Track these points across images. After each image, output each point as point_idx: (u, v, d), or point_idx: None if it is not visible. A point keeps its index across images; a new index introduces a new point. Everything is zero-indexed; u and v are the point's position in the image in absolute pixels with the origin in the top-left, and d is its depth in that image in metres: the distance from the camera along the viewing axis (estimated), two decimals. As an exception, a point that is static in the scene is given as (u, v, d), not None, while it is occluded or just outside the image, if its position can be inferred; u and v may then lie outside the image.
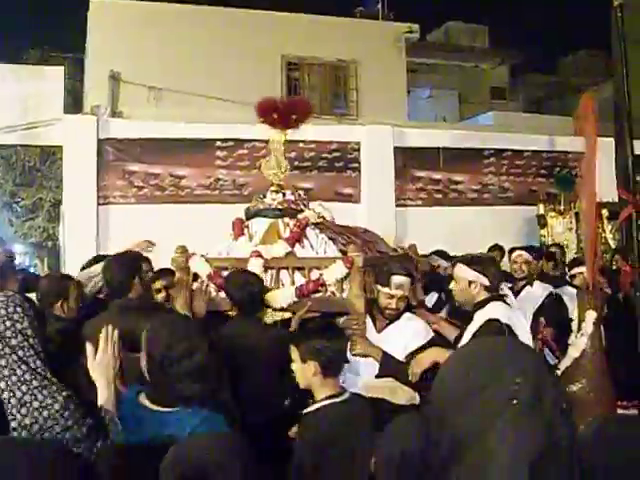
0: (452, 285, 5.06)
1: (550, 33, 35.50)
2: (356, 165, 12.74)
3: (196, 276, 5.73)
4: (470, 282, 4.91)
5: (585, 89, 18.89)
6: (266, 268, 5.60)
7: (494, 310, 4.78)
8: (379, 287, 5.26)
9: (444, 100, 24.74)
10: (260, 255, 5.59)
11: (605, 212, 10.51)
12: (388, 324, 5.29)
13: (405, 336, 5.18)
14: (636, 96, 6.61)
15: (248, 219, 6.15)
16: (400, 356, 5.09)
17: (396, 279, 5.19)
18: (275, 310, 5.49)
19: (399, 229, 12.33)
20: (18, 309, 2.97)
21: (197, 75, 14.85)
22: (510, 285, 7.30)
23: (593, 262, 6.18)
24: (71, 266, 8.31)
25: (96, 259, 6.27)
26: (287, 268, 5.63)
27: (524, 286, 7.45)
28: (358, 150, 12.79)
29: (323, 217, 6.25)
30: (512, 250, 7.92)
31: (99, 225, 11.38)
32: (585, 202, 6.40)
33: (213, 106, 13.85)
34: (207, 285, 5.69)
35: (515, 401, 1.49)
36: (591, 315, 5.99)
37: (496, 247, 9.01)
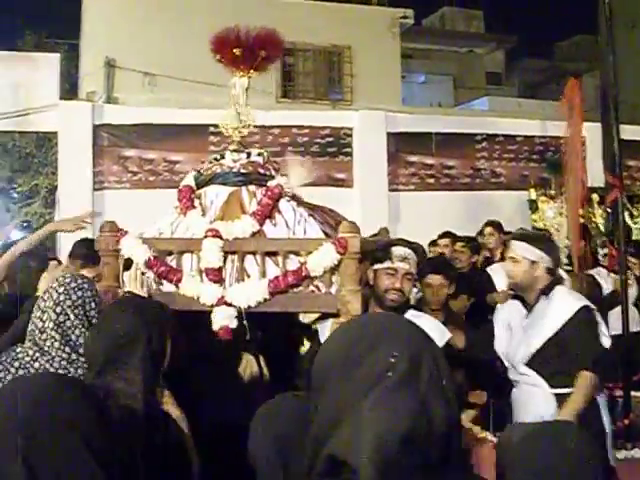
0: (508, 266, 4.55)
1: (546, 17, 35.51)
2: (349, 150, 12.83)
3: (129, 263, 4.29)
4: (533, 262, 4.43)
5: (581, 74, 18.95)
6: (226, 253, 4.22)
7: (570, 296, 4.51)
8: (377, 266, 4.35)
9: (439, 85, 24.79)
10: (218, 235, 4.20)
11: (595, 197, 10.57)
12: None
13: None
14: (628, 80, 6.69)
15: (200, 187, 4.71)
16: None
17: (398, 250, 4.32)
18: (241, 311, 4.11)
19: (392, 214, 12.47)
20: (95, 292, 3.47)
21: (191, 61, 14.84)
22: None
23: (578, 245, 6.29)
24: (66, 251, 8.43)
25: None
26: (254, 253, 4.24)
27: None
28: (351, 135, 12.90)
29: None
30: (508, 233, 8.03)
31: (94, 210, 11.45)
32: (571, 187, 6.49)
33: (207, 91, 13.91)
34: (143, 275, 4.26)
35: (390, 374, 1.50)
36: (576, 297, 6.10)
37: (492, 223, 9.03)
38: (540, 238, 4.68)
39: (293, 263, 4.17)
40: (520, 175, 13.70)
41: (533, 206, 12.23)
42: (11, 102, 11.94)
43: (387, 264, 4.28)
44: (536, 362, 4.43)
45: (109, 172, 11.87)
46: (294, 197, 4.61)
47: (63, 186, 11.96)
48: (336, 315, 4.08)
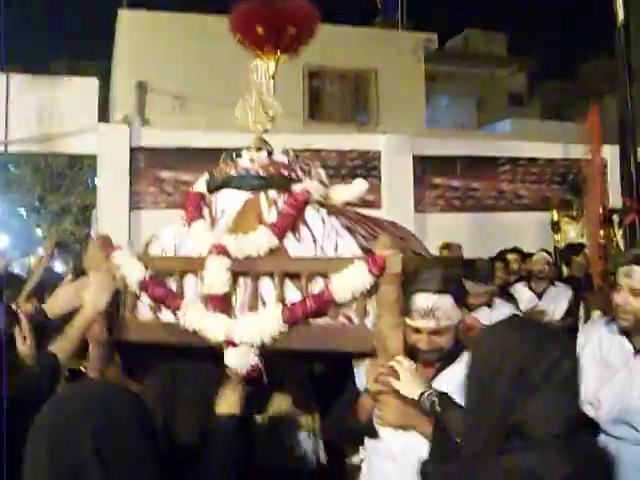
0: (623, 298, 3.51)
1: (568, 39, 35.73)
2: (377, 173, 13.30)
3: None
4: None
5: (603, 95, 19.21)
6: (236, 274, 3.38)
7: None
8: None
9: (462, 107, 24.92)
10: (225, 251, 3.37)
11: (616, 218, 10.83)
12: (439, 371, 3.22)
13: None
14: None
15: (211, 192, 3.86)
16: None
17: (420, 301, 3.13)
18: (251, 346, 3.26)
19: (418, 234, 12.75)
20: None
21: (220, 84, 15.17)
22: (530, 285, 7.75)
23: (598, 265, 6.55)
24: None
25: None
26: (272, 275, 3.36)
27: (547, 287, 7.70)
28: (378, 158, 13.38)
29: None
30: (529, 254, 8.35)
31: (131, 229, 11.92)
32: (590, 208, 6.77)
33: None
34: (137, 298, 3.59)
35: (556, 376, 2.04)
36: (597, 315, 6.38)
37: (514, 250, 9.32)
38: None
39: (319, 287, 3.30)
40: (542, 197, 14.11)
41: (555, 227, 12.57)
42: (48, 124, 12.40)
43: (408, 320, 3.16)
44: None
45: (145, 193, 12.37)
46: (326, 205, 3.75)
47: (101, 206, 12.41)
48: (371, 354, 3.23)
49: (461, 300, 3.29)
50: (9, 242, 27.26)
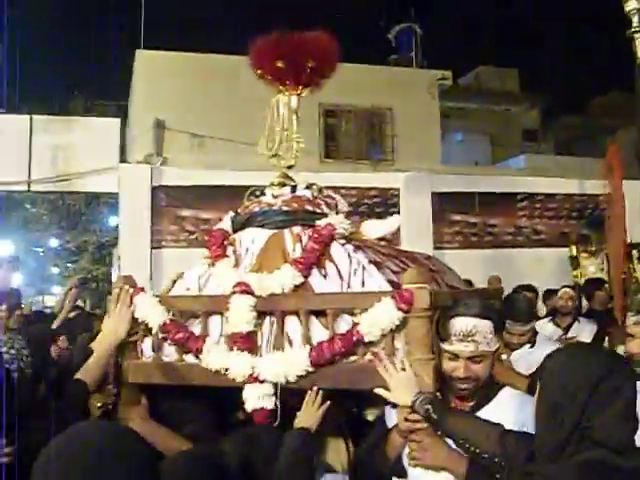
0: (638, 346, 3.61)
1: (580, 74, 35.82)
2: (396, 210, 13.38)
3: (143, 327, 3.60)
4: None
5: (616, 129, 19.31)
6: (260, 313, 3.32)
7: None
8: (439, 342, 3.06)
9: (476, 144, 24.94)
10: (248, 290, 3.30)
11: (636, 253, 10.85)
12: (474, 409, 3.02)
13: None
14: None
15: (235, 231, 3.85)
16: None
17: (459, 324, 2.98)
18: (275, 385, 3.22)
19: (437, 271, 12.84)
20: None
21: (238, 122, 15.31)
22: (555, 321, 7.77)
23: (620, 299, 6.59)
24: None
25: None
26: (297, 313, 3.27)
27: (572, 322, 7.69)
28: (397, 196, 13.52)
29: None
30: (551, 290, 8.38)
31: (152, 267, 12.02)
32: (612, 243, 6.82)
33: (253, 153, 14.30)
34: (161, 340, 3.51)
35: (619, 395, 2.30)
36: (621, 350, 6.42)
37: (529, 287, 9.37)
38: None
39: (347, 325, 3.21)
40: (560, 232, 14.22)
41: (574, 262, 12.62)
42: (70, 164, 12.57)
43: (445, 345, 3.01)
44: None
45: (166, 231, 12.51)
46: (352, 240, 3.68)
47: (123, 245, 12.53)
48: None
49: (499, 329, 3.14)
50: (26, 280, 27.47)
